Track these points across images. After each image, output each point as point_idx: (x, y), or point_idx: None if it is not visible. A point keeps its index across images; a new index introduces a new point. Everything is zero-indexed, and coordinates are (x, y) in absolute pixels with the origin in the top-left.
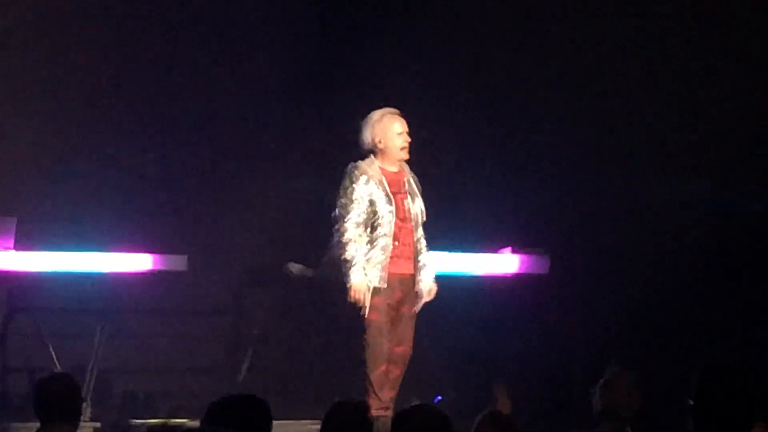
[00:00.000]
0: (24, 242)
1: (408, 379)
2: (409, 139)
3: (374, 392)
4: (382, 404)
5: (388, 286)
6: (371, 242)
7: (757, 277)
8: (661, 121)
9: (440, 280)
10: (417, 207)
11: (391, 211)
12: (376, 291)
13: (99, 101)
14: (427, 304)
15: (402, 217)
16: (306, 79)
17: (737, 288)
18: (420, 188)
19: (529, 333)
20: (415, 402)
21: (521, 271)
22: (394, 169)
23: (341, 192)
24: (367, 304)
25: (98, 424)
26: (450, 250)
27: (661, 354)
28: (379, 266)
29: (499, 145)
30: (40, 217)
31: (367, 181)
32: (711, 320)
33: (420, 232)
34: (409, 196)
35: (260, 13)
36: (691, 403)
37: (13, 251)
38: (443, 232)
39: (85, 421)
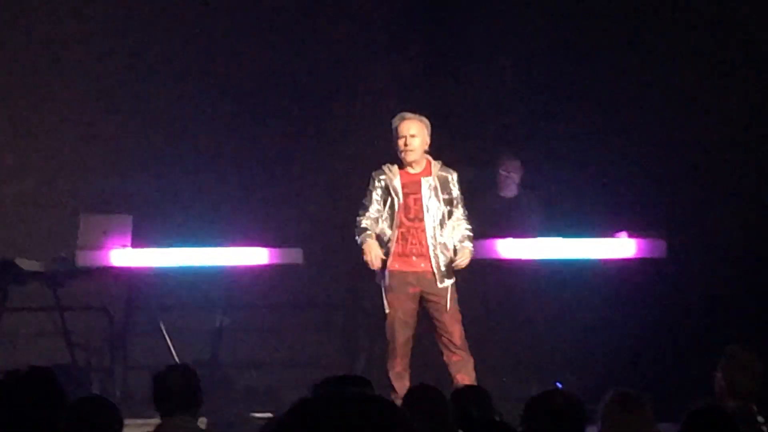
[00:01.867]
0: (140, 239)
1: (527, 364)
2: (408, 143)
3: (391, 384)
4: (397, 396)
5: (398, 282)
6: (384, 243)
7: None
8: None
9: (558, 265)
10: (434, 206)
11: (397, 212)
12: (387, 288)
13: (211, 100)
14: (544, 289)
15: (411, 216)
16: (411, 79)
17: None
18: (452, 188)
19: (647, 316)
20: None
21: (638, 256)
22: (414, 170)
23: (366, 192)
24: (377, 264)
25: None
26: (567, 236)
27: None
28: (387, 264)
29: (614, 132)
30: (155, 215)
31: (382, 183)
32: None
33: (440, 231)
34: (423, 197)
35: (366, 15)
36: None
37: (129, 248)
38: (561, 218)
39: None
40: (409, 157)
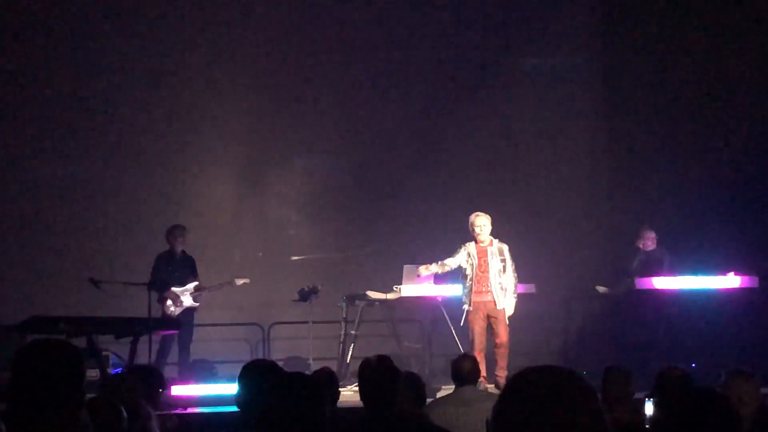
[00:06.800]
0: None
1: (670, 351)
2: (482, 231)
3: None
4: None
5: (474, 308)
6: (465, 284)
7: None
8: None
9: (694, 293)
10: (494, 265)
11: (473, 267)
12: (469, 312)
13: None
14: (683, 307)
15: (483, 270)
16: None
17: None
18: (506, 256)
19: (747, 322)
20: (675, 367)
21: (741, 286)
22: (483, 245)
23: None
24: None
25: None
26: (697, 274)
27: None
28: (468, 297)
29: (721, 208)
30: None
31: (465, 252)
32: None
33: (499, 278)
34: (489, 259)
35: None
36: None
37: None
38: (692, 263)
39: None
40: (481, 239)
